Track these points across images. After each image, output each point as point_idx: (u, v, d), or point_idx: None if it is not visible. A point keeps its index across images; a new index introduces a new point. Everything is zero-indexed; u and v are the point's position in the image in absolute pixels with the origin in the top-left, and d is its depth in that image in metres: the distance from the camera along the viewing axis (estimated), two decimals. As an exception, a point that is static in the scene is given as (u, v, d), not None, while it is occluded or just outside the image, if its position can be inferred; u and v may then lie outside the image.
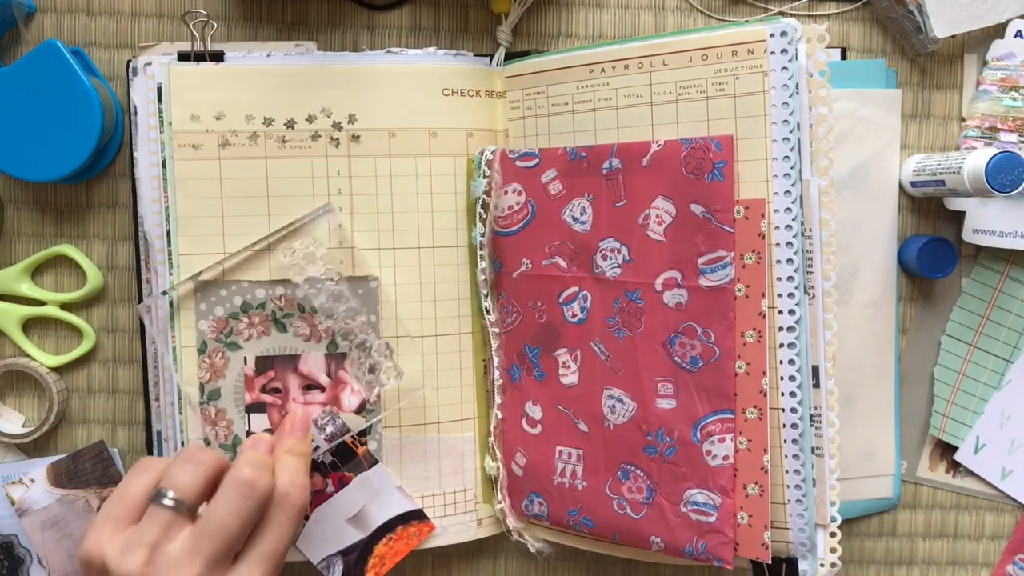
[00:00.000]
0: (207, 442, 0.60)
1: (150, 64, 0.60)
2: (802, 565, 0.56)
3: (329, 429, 0.61)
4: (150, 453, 0.65)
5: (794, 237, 0.54)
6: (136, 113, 0.60)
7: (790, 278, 0.54)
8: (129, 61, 0.62)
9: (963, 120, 0.67)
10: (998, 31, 0.66)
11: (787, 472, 0.55)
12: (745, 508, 0.55)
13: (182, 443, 0.61)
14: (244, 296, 0.60)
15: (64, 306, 0.65)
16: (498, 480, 0.64)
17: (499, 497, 0.64)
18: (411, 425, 0.63)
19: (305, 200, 0.60)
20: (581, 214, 0.60)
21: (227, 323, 0.60)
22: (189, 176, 0.60)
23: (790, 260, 0.54)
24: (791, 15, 0.66)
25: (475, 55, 0.63)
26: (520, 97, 0.63)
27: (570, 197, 0.60)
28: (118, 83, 0.65)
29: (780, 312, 0.54)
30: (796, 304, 0.54)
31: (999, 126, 0.65)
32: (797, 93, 0.53)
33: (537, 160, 0.61)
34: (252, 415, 0.61)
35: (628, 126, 0.58)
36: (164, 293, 0.60)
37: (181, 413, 0.61)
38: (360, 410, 0.62)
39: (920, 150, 0.68)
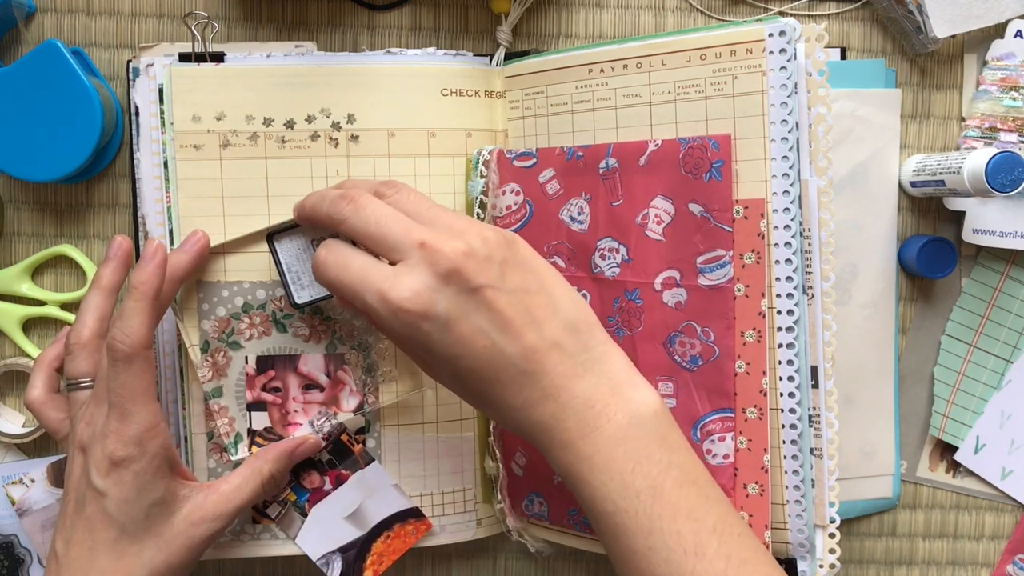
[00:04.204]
0: (210, 437, 0.61)
1: (152, 65, 0.60)
2: (801, 566, 0.56)
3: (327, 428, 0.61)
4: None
5: (793, 237, 0.54)
6: (138, 114, 0.61)
7: (788, 278, 0.54)
8: (129, 61, 0.62)
9: (963, 120, 0.67)
10: (998, 31, 0.66)
11: (786, 472, 0.55)
12: (745, 508, 0.55)
13: (185, 439, 0.61)
14: (245, 297, 0.61)
15: (64, 306, 0.66)
16: (498, 480, 0.64)
17: (499, 497, 0.64)
18: (409, 424, 0.63)
19: (304, 200, 0.60)
20: (579, 214, 0.60)
21: (229, 323, 0.61)
22: (191, 176, 0.60)
23: (789, 260, 0.54)
24: (790, 15, 0.66)
25: (475, 55, 0.64)
26: (519, 97, 0.63)
27: (568, 197, 0.60)
28: (118, 83, 0.65)
29: (779, 312, 0.54)
30: (795, 304, 0.54)
31: (999, 126, 0.65)
32: (796, 93, 0.53)
33: (535, 160, 0.61)
34: (253, 413, 0.61)
35: (627, 126, 0.58)
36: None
37: (184, 409, 0.61)
38: (359, 410, 0.62)
39: (920, 150, 0.68)
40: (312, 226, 0.58)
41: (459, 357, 0.47)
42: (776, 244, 0.54)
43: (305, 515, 0.62)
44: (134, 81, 0.61)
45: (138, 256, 0.61)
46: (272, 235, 0.59)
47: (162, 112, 0.60)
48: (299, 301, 0.58)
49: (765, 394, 0.54)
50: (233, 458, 0.61)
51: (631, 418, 0.47)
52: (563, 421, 0.48)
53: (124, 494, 0.51)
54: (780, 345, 0.54)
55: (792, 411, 0.54)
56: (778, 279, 0.54)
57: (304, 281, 0.58)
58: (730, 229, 0.54)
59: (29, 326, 0.66)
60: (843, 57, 0.66)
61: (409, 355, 0.52)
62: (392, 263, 0.48)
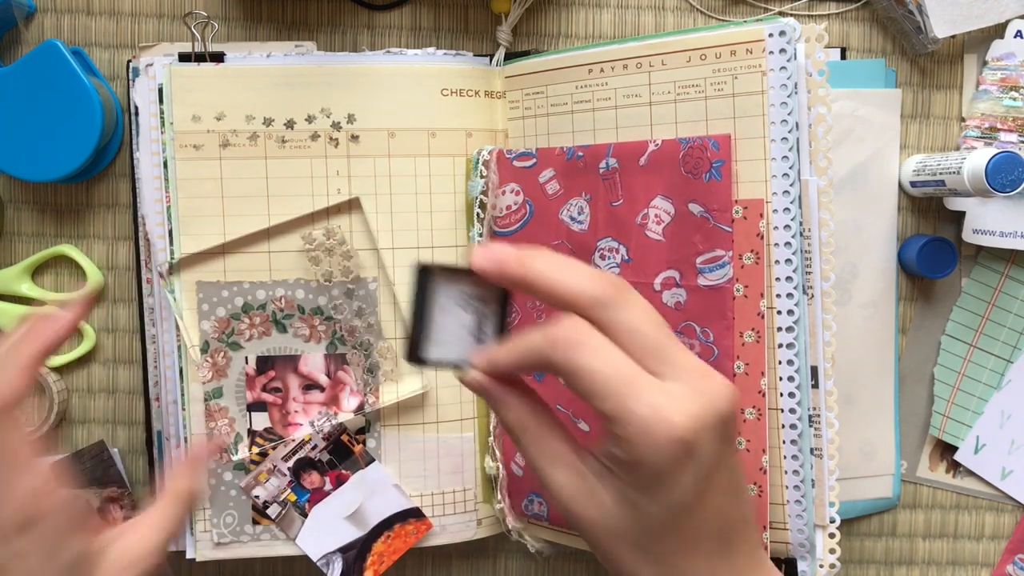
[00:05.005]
0: (210, 437, 0.61)
1: (152, 65, 0.60)
2: (801, 566, 0.56)
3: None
4: (150, 453, 0.65)
5: (793, 237, 0.53)
6: (138, 114, 0.61)
7: (788, 278, 0.54)
8: (129, 61, 0.62)
9: (963, 120, 0.67)
10: (998, 31, 0.66)
11: (786, 473, 0.55)
12: (744, 508, 0.55)
13: (185, 439, 0.61)
14: (245, 297, 0.61)
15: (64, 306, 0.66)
16: (498, 480, 0.64)
17: (499, 497, 0.64)
18: (409, 424, 0.63)
19: (304, 200, 0.60)
20: (579, 214, 0.60)
21: (229, 323, 0.61)
22: (190, 176, 0.60)
23: (788, 260, 0.54)
24: (790, 15, 0.66)
25: (475, 55, 0.64)
26: (520, 97, 0.63)
27: (568, 197, 0.60)
28: (118, 83, 0.65)
29: (779, 312, 0.54)
30: (795, 304, 0.54)
31: (999, 126, 0.65)
32: (796, 93, 0.53)
33: (534, 160, 0.61)
34: (253, 413, 0.61)
35: (627, 126, 0.58)
36: (171, 292, 0.60)
37: (184, 409, 0.61)
38: (359, 410, 0.62)
39: (920, 150, 0.68)
40: (484, 283, 0.43)
41: (687, 510, 0.39)
42: (776, 244, 0.54)
43: (305, 515, 0.62)
44: (134, 81, 0.61)
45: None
46: (427, 268, 0.42)
47: (162, 112, 0.60)
48: (427, 356, 0.43)
49: (764, 395, 0.54)
50: (234, 458, 0.61)
51: None
52: None
53: (35, 562, 0.44)
54: (780, 345, 0.54)
55: (792, 411, 0.54)
56: (778, 279, 0.54)
57: (443, 336, 0.43)
58: (730, 229, 0.54)
59: (29, 326, 0.66)
60: (843, 57, 0.66)
61: (608, 493, 0.42)
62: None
